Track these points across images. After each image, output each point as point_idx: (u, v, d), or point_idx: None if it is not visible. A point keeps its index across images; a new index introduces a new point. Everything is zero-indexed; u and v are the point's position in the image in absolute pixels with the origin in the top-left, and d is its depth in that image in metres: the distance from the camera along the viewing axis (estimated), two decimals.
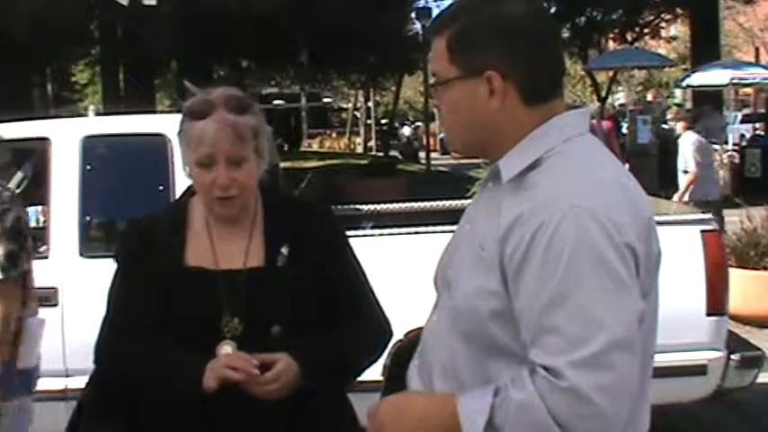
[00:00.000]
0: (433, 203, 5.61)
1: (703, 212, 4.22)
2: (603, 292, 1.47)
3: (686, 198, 8.44)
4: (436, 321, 1.75)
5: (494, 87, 1.62)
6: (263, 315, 2.09)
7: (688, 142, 8.84)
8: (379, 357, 2.32)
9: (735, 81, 16.15)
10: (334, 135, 42.89)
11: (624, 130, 18.88)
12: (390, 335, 2.30)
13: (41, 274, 4.13)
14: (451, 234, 1.84)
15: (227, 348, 2.05)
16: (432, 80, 1.73)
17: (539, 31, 1.66)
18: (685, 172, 8.75)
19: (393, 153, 29.08)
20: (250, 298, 2.09)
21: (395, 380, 4.08)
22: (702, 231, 3.91)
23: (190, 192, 2.23)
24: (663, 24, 25.06)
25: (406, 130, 36.47)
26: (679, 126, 9.69)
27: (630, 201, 1.57)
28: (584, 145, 1.65)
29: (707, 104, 16.49)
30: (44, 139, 4.30)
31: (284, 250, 2.14)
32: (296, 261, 2.14)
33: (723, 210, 8.23)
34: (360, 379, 3.86)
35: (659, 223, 1.67)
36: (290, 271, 2.13)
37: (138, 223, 2.28)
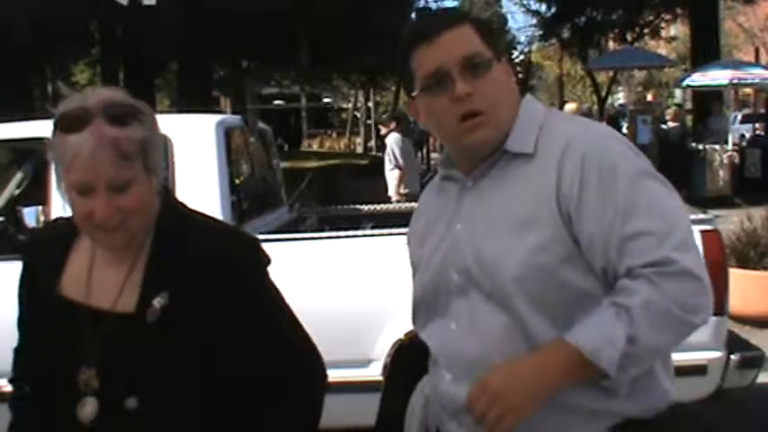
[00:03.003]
0: None
1: (703, 212, 4.22)
2: (660, 191, 1.68)
3: (402, 191, 9.63)
4: (456, 330, 1.76)
5: (509, 72, 1.81)
6: (119, 378, 1.67)
7: (393, 142, 9.93)
8: (317, 411, 1.83)
9: (735, 81, 16.14)
10: (334, 135, 42.91)
11: (624, 130, 18.89)
12: (320, 374, 1.83)
13: None
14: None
15: (87, 409, 1.67)
16: (455, 70, 1.72)
17: None
18: (398, 167, 9.77)
19: None
20: (110, 351, 1.68)
21: (395, 378, 4.09)
22: (702, 231, 3.91)
23: None
24: (663, 24, 25.08)
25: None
26: (386, 127, 10.77)
27: None
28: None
29: (714, 105, 16.55)
30: (44, 139, 4.30)
31: (158, 302, 1.67)
32: (175, 317, 1.66)
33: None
34: (359, 378, 3.84)
35: None
36: (163, 329, 1.66)
37: (34, 234, 1.90)
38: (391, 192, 9.77)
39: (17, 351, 1.88)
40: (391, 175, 9.89)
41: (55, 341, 1.73)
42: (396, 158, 9.84)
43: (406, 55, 1.78)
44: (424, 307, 1.87)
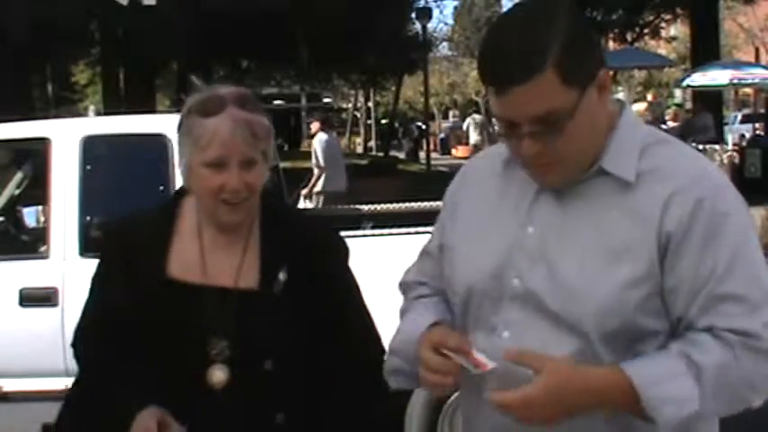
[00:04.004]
0: (433, 203, 5.62)
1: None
2: (760, 255, 1.57)
3: (317, 189, 10.21)
4: (510, 340, 1.62)
5: (605, 84, 1.59)
6: (255, 345, 1.91)
7: (316, 142, 10.58)
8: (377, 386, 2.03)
9: (735, 81, 16.14)
10: (334, 135, 42.87)
11: None
12: (382, 356, 2.04)
13: (41, 274, 4.15)
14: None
15: (219, 375, 1.89)
16: (525, 127, 1.52)
17: None
18: (317, 167, 10.38)
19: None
20: (241, 322, 1.90)
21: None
22: None
23: (180, 193, 2.05)
24: (663, 24, 25.05)
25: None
26: (313, 126, 11.23)
27: None
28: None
29: (698, 105, 16.54)
30: (44, 139, 4.30)
31: (282, 276, 1.92)
32: (293, 289, 1.92)
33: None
34: None
35: None
36: (286, 300, 1.92)
37: (122, 222, 2.09)
38: (306, 189, 10.25)
39: (102, 332, 1.98)
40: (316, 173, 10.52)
41: (170, 320, 1.89)
42: (316, 158, 10.41)
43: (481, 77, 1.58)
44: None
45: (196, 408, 1.88)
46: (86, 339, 2.05)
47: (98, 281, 2.05)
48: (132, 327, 1.92)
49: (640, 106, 14.36)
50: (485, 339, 1.67)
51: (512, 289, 1.64)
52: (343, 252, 2.06)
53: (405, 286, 1.93)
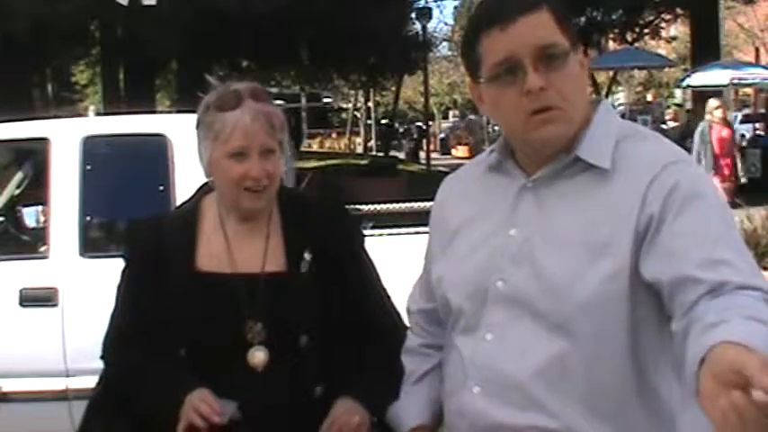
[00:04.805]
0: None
1: None
2: (737, 234, 1.57)
3: None
4: (493, 342, 1.63)
5: (584, 63, 1.66)
6: (290, 323, 1.99)
7: None
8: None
9: (735, 81, 16.16)
10: (334, 135, 42.88)
11: None
12: (404, 330, 2.11)
13: (41, 274, 4.15)
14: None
15: (259, 356, 1.97)
16: (528, 60, 1.57)
17: None
18: None
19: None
20: (274, 304, 1.99)
21: None
22: None
23: (202, 191, 2.13)
24: (663, 24, 25.07)
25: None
26: None
27: None
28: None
29: (699, 107, 16.54)
30: (44, 140, 4.30)
31: (308, 256, 2.03)
32: (318, 267, 2.03)
33: None
34: None
35: None
36: (314, 278, 2.02)
37: (147, 223, 2.15)
38: None
39: (138, 336, 2.02)
40: None
41: (205, 311, 1.98)
42: None
43: (474, 38, 1.63)
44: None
45: (239, 390, 1.94)
46: (121, 346, 2.08)
47: (126, 287, 2.10)
48: (168, 325, 1.99)
49: (714, 103, 13.53)
50: (468, 343, 1.67)
51: (496, 291, 1.63)
52: (360, 233, 2.18)
53: (409, 316, 1.98)
